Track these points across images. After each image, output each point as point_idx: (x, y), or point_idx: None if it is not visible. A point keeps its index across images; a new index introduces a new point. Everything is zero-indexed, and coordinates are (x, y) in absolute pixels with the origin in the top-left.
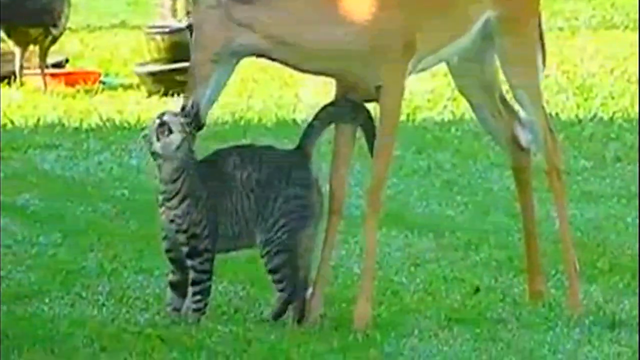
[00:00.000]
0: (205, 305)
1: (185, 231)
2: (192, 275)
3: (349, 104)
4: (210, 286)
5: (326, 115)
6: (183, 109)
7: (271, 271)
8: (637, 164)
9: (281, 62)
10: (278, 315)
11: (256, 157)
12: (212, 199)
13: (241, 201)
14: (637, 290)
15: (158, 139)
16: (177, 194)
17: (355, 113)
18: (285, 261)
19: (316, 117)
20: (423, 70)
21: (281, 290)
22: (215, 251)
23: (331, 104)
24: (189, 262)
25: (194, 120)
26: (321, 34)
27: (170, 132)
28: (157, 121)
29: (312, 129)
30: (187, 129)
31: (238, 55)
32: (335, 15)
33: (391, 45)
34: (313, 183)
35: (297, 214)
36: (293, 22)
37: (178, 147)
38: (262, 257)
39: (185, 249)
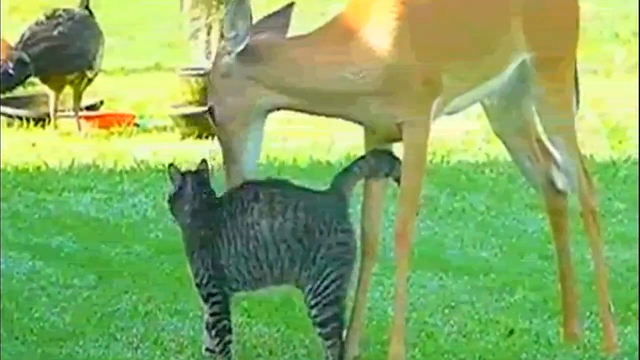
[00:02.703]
0: (227, 344)
1: (193, 280)
2: (206, 317)
3: (388, 157)
4: (225, 326)
5: (366, 166)
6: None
7: (320, 324)
8: None
9: (303, 110)
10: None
11: (290, 205)
12: (215, 247)
13: (265, 250)
14: None
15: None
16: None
17: (392, 167)
18: (335, 314)
19: (355, 163)
20: (455, 112)
21: (330, 346)
22: (231, 292)
23: (372, 154)
24: (202, 306)
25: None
26: (334, 76)
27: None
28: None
29: (350, 175)
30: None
31: (264, 113)
32: (347, 56)
33: (408, 83)
34: (353, 227)
35: (342, 261)
36: (305, 69)
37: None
38: (310, 307)
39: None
